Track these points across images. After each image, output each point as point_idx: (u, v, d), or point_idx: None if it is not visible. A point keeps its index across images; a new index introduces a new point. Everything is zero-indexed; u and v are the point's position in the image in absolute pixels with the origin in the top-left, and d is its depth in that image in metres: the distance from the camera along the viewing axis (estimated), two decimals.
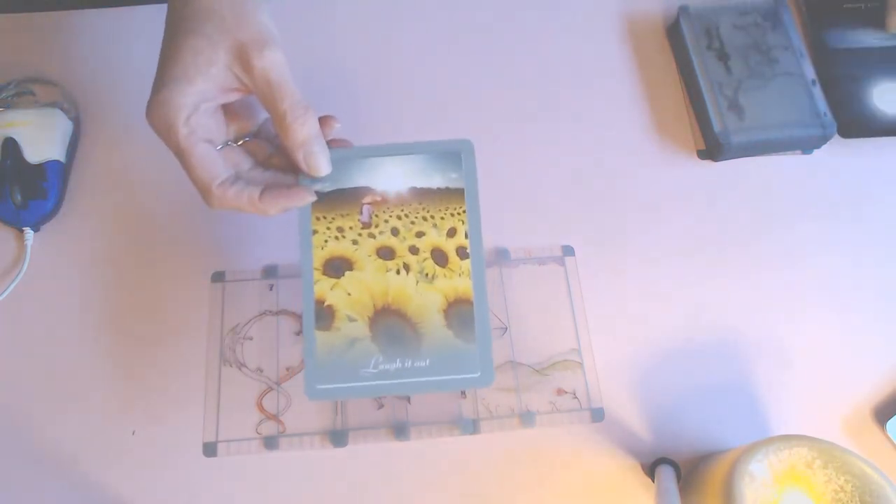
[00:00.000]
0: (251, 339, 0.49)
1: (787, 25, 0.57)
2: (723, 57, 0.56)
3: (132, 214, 0.53)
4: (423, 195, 0.41)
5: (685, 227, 0.53)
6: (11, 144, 0.51)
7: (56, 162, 0.52)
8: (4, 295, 0.49)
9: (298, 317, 0.49)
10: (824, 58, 0.57)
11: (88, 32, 0.58)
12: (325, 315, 0.39)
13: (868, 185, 0.55)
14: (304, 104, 0.38)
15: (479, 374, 0.39)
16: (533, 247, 0.52)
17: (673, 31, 0.59)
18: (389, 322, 0.39)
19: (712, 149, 0.55)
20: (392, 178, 0.41)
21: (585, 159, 0.55)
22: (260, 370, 0.48)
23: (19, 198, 0.50)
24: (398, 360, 0.39)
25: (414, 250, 0.40)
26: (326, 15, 0.60)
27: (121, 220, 0.52)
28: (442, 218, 0.40)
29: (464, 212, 0.40)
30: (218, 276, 0.50)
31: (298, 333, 0.49)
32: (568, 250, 0.52)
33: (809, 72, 0.55)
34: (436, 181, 0.41)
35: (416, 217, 0.40)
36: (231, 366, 0.48)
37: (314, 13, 0.60)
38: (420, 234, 0.40)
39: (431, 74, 0.58)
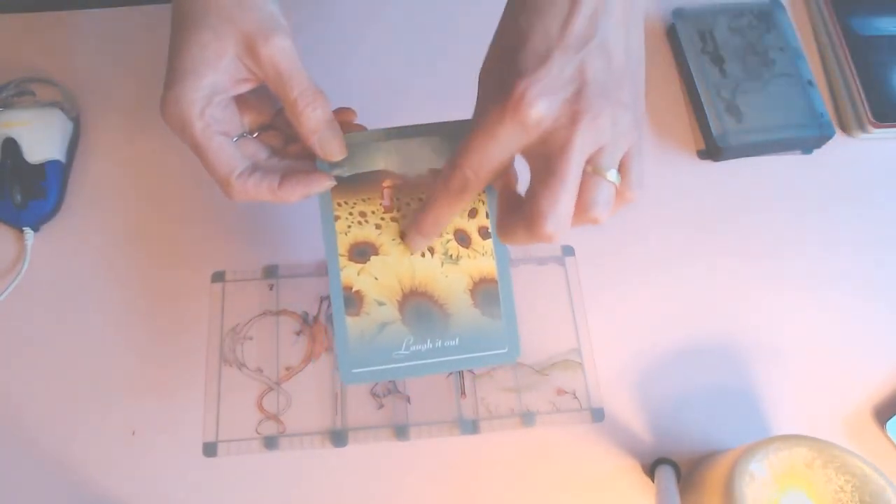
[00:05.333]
0: (251, 339, 0.49)
1: (783, 26, 0.57)
2: (717, 60, 0.56)
3: (132, 214, 0.53)
4: None
5: (685, 227, 0.53)
6: (11, 144, 0.51)
7: (56, 162, 0.52)
8: (4, 295, 0.49)
9: (299, 316, 0.49)
10: (856, 44, 0.57)
11: (88, 32, 0.58)
12: (353, 301, 0.39)
13: (868, 184, 0.55)
14: (314, 89, 0.38)
15: (506, 349, 0.39)
16: (533, 247, 0.52)
17: (671, 33, 0.59)
18: (418, 304, 0.39)
19: (712, 150, 0.55)
20: (411, 160, 0.40)
21: None
22: (260, 370, 0.48)
23: (19, 198, 0.50)
24: (429, 340, 0.39)
25: None
26: (332, 5, 0.60)
27: (121, 220, 0.52)
28: None
29: (483, 192, 0.40)
30: (218, 276, 0.50)
31: (298, 333, 0.49)
32: (568, 250, 0.52)
33: (806, 72, 0.55)
34: None
35: None
36: (231, 366, 0.48)
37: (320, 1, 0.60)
38: None
39: (427, 76, 0.58)
